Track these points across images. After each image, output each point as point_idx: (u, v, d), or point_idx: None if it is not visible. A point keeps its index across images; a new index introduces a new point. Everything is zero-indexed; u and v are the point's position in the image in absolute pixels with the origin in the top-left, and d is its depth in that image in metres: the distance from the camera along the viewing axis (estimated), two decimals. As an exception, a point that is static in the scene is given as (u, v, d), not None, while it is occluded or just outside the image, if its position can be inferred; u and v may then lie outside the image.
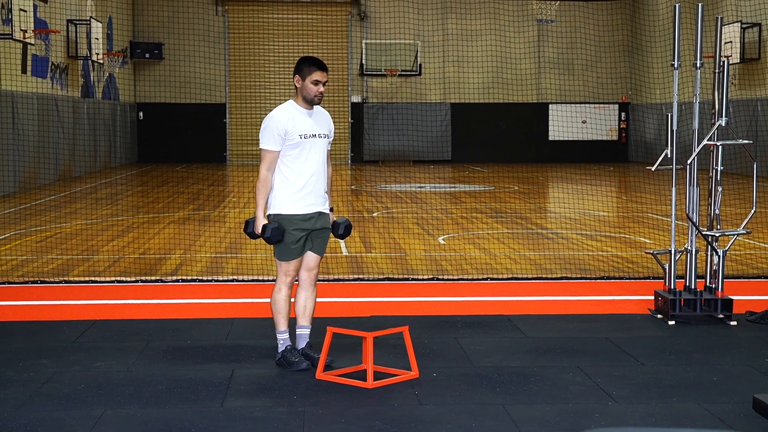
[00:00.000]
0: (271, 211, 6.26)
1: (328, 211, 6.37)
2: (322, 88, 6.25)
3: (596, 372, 6.18)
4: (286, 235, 6.20)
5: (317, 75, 6.24)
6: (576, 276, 9.69)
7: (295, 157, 6.20)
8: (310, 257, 6.34)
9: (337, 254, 11.34)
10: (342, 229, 6.46)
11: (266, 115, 6.36)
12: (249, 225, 6.32)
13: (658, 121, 30.86)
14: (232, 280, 9.45)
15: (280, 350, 6.31)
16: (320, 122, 6.33)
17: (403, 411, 5.47)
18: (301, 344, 6.37)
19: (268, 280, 9.40)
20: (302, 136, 6.20)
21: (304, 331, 6.39)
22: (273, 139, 6.19)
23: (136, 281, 9.41)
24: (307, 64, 6.29)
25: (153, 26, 31.23)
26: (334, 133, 6.47)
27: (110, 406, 5.50)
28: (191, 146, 32.69)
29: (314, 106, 6.31)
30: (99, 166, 27.33)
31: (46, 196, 19.24)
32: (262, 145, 6.24)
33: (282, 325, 6.32)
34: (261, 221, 6.23)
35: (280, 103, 6.25)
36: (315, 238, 6.33)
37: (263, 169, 6.22)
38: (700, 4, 7.83)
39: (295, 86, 6.31)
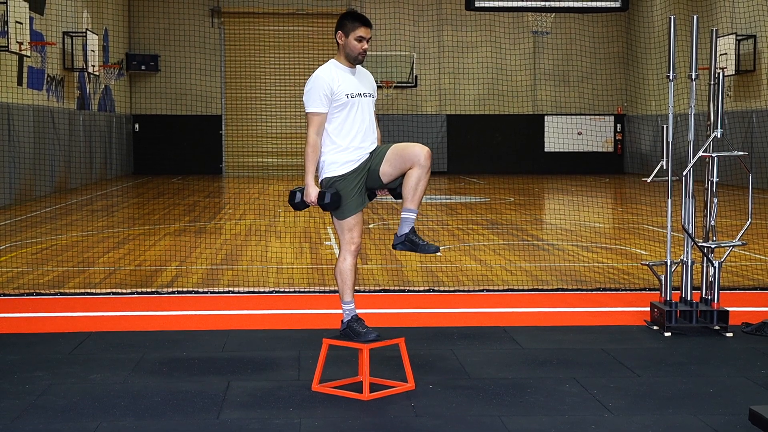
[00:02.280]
0: (325, 175, 6.00)
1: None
2: (366, 45, 5.96)
3: (592, 383, 6.18)
4: (345, 187, 5.96)
5: (361, 31, 5.96)
6: (572, 287, 9.69)
7: (344, 119, 5.97)
8: (403, 150, 5.94)
9: (333, 265, 11.32)
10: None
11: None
12: (296, 195, 6.04)
13: (654, 132, 30.92)
14: (228, 292, 9.44)
15: (345, 320, 6.06)
16: (364, 81, 6.09)
17: (400, 423, 5.46)
18: (405, 229, 6.08)
19: (264, 292, 9.40)
20: (349, 96, 5.96)
21: (410, 215, 6.06)
22: (320, 101, 5.92)
23: (132, 293, 9.40)
24: (350, 20, 5.98)
25: (149, 38, 31.27)
26: None
27: (106, 419, 5.48)
28: (187, 158, 32.68)
29: (357, 65, 6.07)
30: (95, 178, 27.32)
31: (42, 208, 19.22)
32: (308, 109, 5.95)
33: (348, 295, 6.05)
34: (314, 189, 5.95)
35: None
36: (375, 156, 6.03)
37: (312, 134, 5.94)
38: (695, 16, 7.85)
39: (337, 43, 6.01)
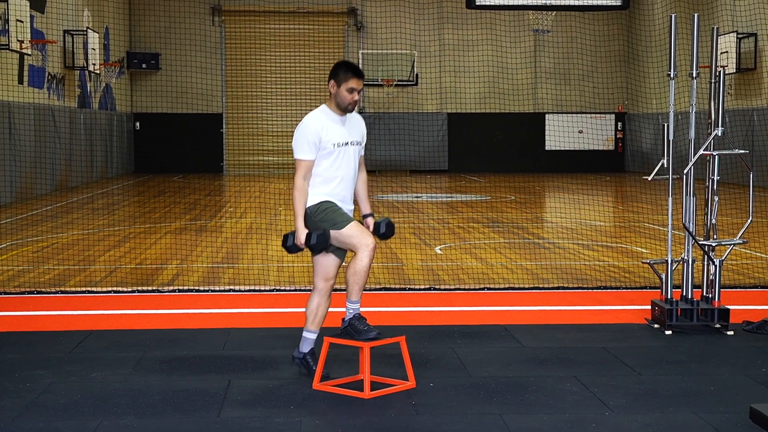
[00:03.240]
0: (308, 204, 6.11)
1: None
2: (357, 96, 6.12)
3: (593, 382, 6.18)
4: (330, 206, 6.08)
5: (353, 82, 6.11)
6: (573, 286, 9.69)
7: (328, 165, 6.11)
8: (330, 262, 6.22)
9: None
10: (383, 228, 6.31)
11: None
12: (288, 238, 6.17)
13: (655, 130, 30.91)
14: (229, 291, 9.44)
15: (347, 318, 6.12)
16: (352, 129, 6.22)
17: (400, 421, 5.46)
18: (305, 349, 6.32)
19: (264, 291, 9.40)
20: (335, 145, 6.10)
21: (311, 336, 6.32)
22: (308, 148, 6.07)
23: (133, 291, 9.40)
24: (343, 71, 6.14)
25: (150, 36, 31.25)
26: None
27: (106, 417, 5.49)
28: (188, 156, 32.69)
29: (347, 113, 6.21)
30: (96, 177, 27.32)
31: (43, 207, 19.23)
32: (296, 155, 6.11)
33: (356, 294, 6.12)
34: (303, 231, 6.08)
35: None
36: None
37: (299, 179, 6.09)
38: (695, 15, 7.85)
39: (330, 91, 6.16)
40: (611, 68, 32.83)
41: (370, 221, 6.35)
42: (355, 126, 6.27)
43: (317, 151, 6.09)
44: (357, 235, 6.03)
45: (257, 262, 11.53)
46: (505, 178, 29.67)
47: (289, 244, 6.17)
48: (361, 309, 6.27)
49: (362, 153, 6.33)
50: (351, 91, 6.10)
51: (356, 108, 6.22)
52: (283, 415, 5.53)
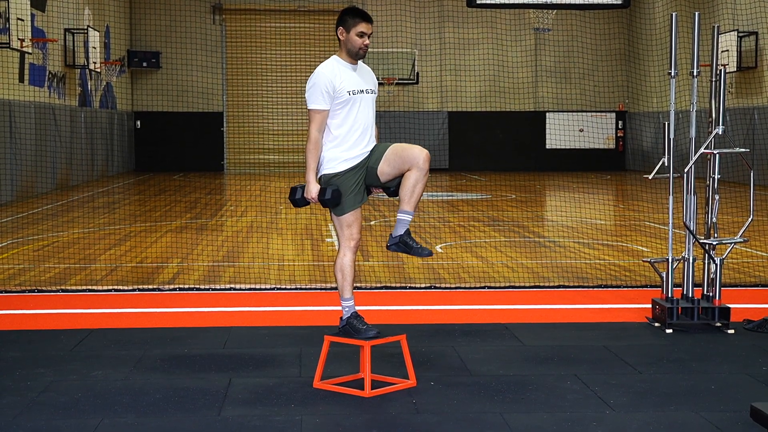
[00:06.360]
0: (323, 171, 6.00)
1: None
2: (367, 41, 5.95)
3: (594, 380, 6.18)
4: (343, 183, 5.96)
5: (362, 26, 5.94)
6: (573, 284, 9.69)
7: (345, 115, 5.96)
8: (403, 151, 5.92)
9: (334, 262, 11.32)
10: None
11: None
12: (297, 191, 6.01)
13: (655, 129, 30.90)
14: (230, 289, 9.44)
15: (344, 317, 6.05)
16: (366, 77, 6.07)
17: (401, 420, 5.46)
18: (400, 230, 6.08)
19: (265, 289, 9.41)
20: (351, 93, 5.94)
21: (405, 217, 6.07)
22: (322, 98, 5.90)
23: (134, 290, 9.40)
24: (351, 15, 5.96)
25: (150, 35, 31.26)
26: None
27: (107, 415, 5.49)
28: (189, 155, 32.69)
29: (358, 61, 6.06)
30: (96, 175, 27.32)
31: (43, 205, 19.23)
32: (310, 106, 5.93)
33: (347, 292, 6.03)
34: (314, 185, 5.95)
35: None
36: (374, 154, 6.00)
37: (313, 131, 5.93)
38: (696, 13, 7.85)
39: (339, 39, 5.99)
40: (612, 67, 32.82)
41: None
42: (368, 74, 6.12)
43: (332, 101, 5.93)
44: (347, 228, 5.99)
45: (258, 260, 11.53)
46: (505, 177, 29.66)
47: (297, 197, 6.03)
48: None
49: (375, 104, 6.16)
50: (361, 35, 5.94)
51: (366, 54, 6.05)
52: (283, 414, 5.53)
